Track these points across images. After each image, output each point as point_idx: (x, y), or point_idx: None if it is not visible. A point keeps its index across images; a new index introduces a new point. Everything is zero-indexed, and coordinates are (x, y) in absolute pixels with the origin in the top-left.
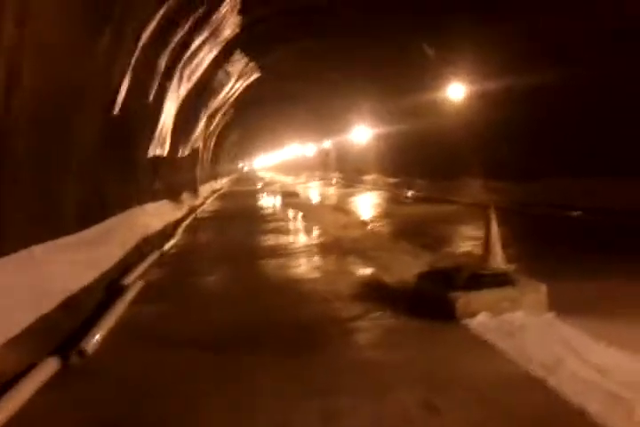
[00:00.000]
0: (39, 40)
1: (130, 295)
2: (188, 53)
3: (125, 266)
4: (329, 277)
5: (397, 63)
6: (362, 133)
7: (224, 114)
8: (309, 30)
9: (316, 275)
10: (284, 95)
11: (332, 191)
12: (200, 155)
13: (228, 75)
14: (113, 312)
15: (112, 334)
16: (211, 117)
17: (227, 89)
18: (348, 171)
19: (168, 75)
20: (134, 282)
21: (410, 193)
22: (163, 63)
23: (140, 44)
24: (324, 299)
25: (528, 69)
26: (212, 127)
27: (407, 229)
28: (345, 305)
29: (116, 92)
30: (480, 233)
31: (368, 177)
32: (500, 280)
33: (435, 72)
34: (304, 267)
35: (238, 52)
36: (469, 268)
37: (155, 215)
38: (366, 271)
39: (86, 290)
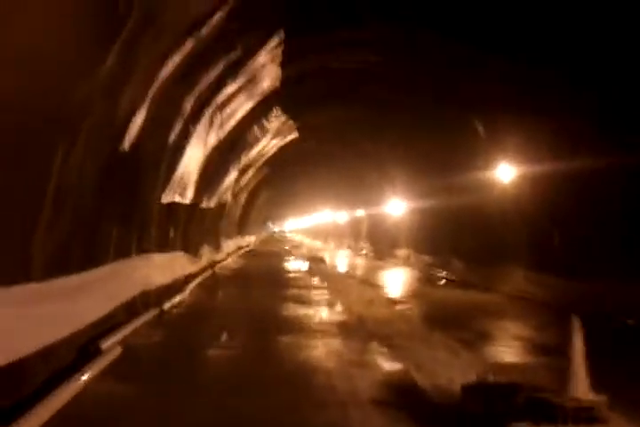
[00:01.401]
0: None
1: (98, 367)
2: (220, 99)
3: (111, 325)
4: (347, 369)
5: (435, 139)
6: (396, 207)
7: (257, 171)
8: (351, 96)
9: (331, 364)
10: (320, 160)
11: (361, 262)
12: (227, 209)
13: (265, 130)
14: (64, 391)
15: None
16: (242, 172)
17: (261, 145)
18: (379, 243)
19: (194, 118)
20: (111, 347)
21: (444, 274)
22: (189, 105)
23: (160, 76)
24: (339, 402)
25: (588, 153)
26: (243, 183)
27: (441, 317)
28: (364, 416)
29: (125, 126)
30: (531, 334)
31: (400, 252)
32: (585, 416)
33: (478, 151)
34: (319, 352)
35: (277, 108)
36: (529, 389)
37: (162, 267)
38: (394, 367)
39: (44, 353)
